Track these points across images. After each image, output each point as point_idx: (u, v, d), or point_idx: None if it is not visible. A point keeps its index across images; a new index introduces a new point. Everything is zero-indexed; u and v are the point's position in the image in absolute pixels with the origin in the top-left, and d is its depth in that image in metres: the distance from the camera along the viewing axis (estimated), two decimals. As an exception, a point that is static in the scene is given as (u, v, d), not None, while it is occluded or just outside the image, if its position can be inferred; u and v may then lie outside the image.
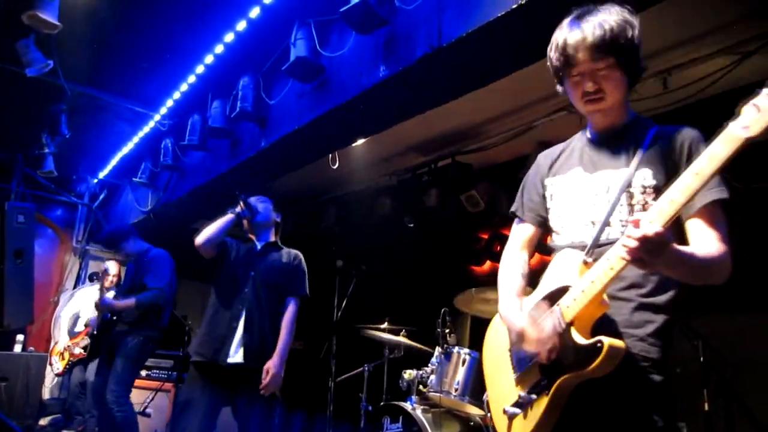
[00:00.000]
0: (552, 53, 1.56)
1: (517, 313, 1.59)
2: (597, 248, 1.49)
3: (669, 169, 1.44)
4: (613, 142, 1.57)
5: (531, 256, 1.81)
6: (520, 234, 1.80)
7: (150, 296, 4.18)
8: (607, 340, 1.33)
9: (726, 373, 3.29)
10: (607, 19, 1.45)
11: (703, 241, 1.39)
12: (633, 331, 1.45)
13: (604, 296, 1.40)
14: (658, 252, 1.21)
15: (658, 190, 1.44)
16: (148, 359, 4.61)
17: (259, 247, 3.38)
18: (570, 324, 1.42)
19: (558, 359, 1.45)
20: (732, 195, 1.42)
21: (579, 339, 1.40)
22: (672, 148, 1.47)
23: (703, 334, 3.26)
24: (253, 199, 3.39)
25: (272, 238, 3.45)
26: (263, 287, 3.20)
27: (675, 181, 1.23)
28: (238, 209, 3.26)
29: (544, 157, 1.78)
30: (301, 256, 3.47)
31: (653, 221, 1.21)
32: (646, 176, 1.47)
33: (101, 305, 4.27)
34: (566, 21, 1.54)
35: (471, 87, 3.24)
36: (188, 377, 3.20)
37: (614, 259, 1.32)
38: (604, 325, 1.43)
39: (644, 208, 1.44)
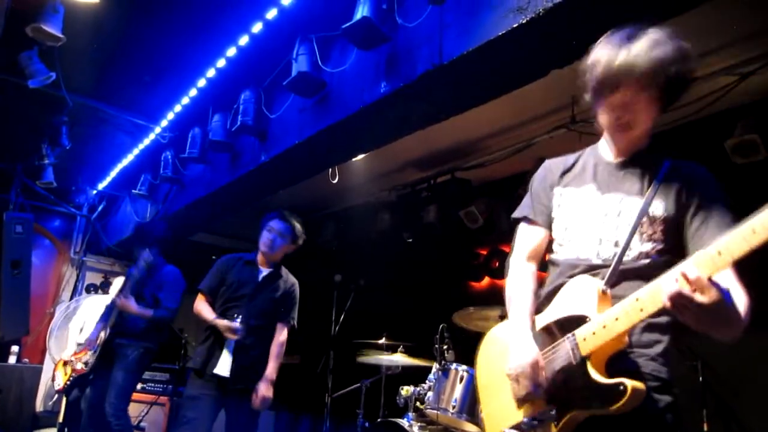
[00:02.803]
0: (596, 69, 1.45)
1: (529, 343, 1.51)
2: (615, 271, 1.46)
3: (678, 205, 1.45)
4: (629, 167, 1.56)
5: (539, 267, 1.72)
6: (530, 239, 1.70)
7: (165, 316, 4.26)
8: (630, 383, 1.29)
9: (725, 394, 3.27)
10: (658, 46, 1.36)
11: (732, 289, 1.30)
12: (644, 350, 1.44)
13: (627, 334, 1.37)
14: (704, 302, 1.16)
15: (666, 222, 1.45)
16: (145, 371, 4.59)
17: (261, 277, 3.52)
18: (586, 358, 1.39)
19: (570, 392, 1.41)
20: (732, 215, 1.41)
21: (596, 376, 1.36)
22: (684, 185, 1.46)
23: (702, 354, 3.24)
24: (275, 224, 3.51)
25: (276, 267, 3.59)
26: (258, 317, 3.39)
27: (728, 233, 1.15)
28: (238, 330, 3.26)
29: (554, 164, 1.73)
30: (296, 285, 3.65)
31: (700, 271, 1.16)
32: (657, 207, 1.46)
33: (123, 302, 4.18)
34: (615, 38, 1.44)
35: (471, 104, 3.26)
36: (190, 378, 3.41)
37: (648, 302, 1.27)
38: (618, 355, 1.40)
39: (651, 238, 1.45)
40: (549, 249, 1.70)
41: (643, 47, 1.36)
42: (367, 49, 3.20)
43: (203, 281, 3.56)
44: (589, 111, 1.60)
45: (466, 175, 5.11)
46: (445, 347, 3.57)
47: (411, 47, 3.04)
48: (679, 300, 1.17)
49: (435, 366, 3.54)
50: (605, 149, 1.63)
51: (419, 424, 3.41)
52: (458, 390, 3.28)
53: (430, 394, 3.43)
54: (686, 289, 1.15)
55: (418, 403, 3.52)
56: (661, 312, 1.27)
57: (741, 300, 1.31)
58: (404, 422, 3.42)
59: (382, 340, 4.18)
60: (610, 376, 1.35)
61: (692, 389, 3.19)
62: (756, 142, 3.31)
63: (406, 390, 3.60)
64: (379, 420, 3.77)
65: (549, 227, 1.68)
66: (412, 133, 3.68)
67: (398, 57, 3.13)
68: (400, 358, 3.99)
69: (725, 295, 1.18)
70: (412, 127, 3.62)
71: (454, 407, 3.26)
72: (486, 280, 5.30)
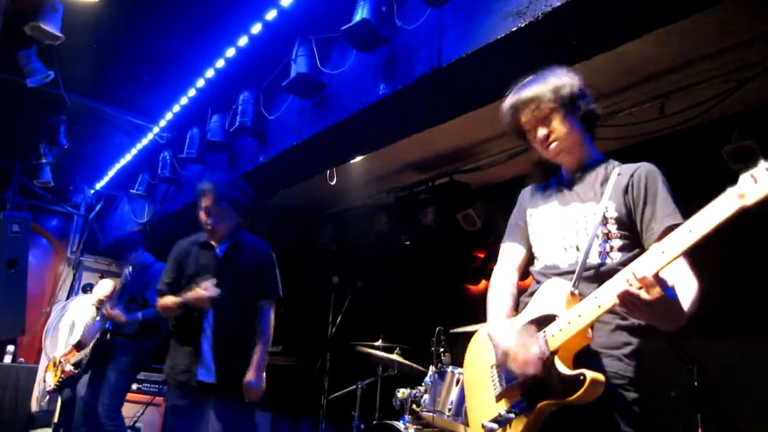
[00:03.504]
0: (503, 120, 1.81)
1: (506, 332, 1.65)
2: (583, 272, 1.59)
3: (628, 202, 1.61)
4: (583, 179, 1.75)
5: (520, 278, 1.87)
6: (510, 254, 1.89)
7: (153, 314, 4.16)
8: (589, 374, 1.40)
9: (720, 397, 3.27)
10: (539, 81, 1.71)
11: (680, 277, 1.41)
12: (612, 351, 1.55)
13: (589, 329, 1.47)
14: (650, 298, 1.26)
15: (619, 221, 1.60)
16: (140, 372, 4.57)
17: (220, 253, 3.03)
18: (554, 352, 1.50)
19: (540, 384, 1.51)
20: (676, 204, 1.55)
21: (562, 368, 1.47)
22: (631, 182, 1.63)
23: (698, 358, 3.25)
24: (202, 201, 2.99)
25: (233, 240, 3.06)
26: (231, 298, 2.86)
27: (669, 236, 1.28)
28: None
29: (527, 191, 1.95)
30: (268, 249, 3.13)
31: (646, 270, 1.27)
32: (609, 208, 1.62)
33: (109, 313, 4.16)
34: (510, 93, 1.78)
35: (470, 107, 3.27)
36: (170, 386, 2.99)
37: (603, 299, 1.40)
38: (586, 351, 1.51)
39: (608, 237, 1.60)
40: (531, 263, 1.86)
41: (526, 86, 1.73)
42: (366, 51, 3.20)
43: (160, 279, 3.08)
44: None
45: (464, 178, 5.12)
46: (441, 350, 3.57)
47: (410, 50, 3.05)
48: (627, 298, 1.29)
49: (431, 368, 3.54)
50: (563, 171, 1.84)
51: (415, 426, 3.41)
52: (454, 392, 3.27)
53: (426, 396, 3.43)
54: (633, 288, 1.27)
55: (414, 406, 3.52)
56: (615, 308, 1.39)
57: (689, 291, 1.42)
58: (400, 425, 3.42)
59: (379, 342, 4.18)
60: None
61: (687, 393, 3.20)
62: (753, 149, 3.32)
63: (402, 392, 3.59)
64: (374, 422, 3.76)
65: (526, 245, 1.87)
66: (411, 135, 3.69)
67: (397, 59, 3.13)
68: (395, 359, 3.98)
69: (668, 292, 1.27)
70: (410, 129, 3.63)
71: (449, 410, 3.26)
72: (483, 283, 5.29)
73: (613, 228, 1.60)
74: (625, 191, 1.61)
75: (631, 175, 1.63)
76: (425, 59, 2.91)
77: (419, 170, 5.32)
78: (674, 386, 3.28)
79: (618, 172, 1.66)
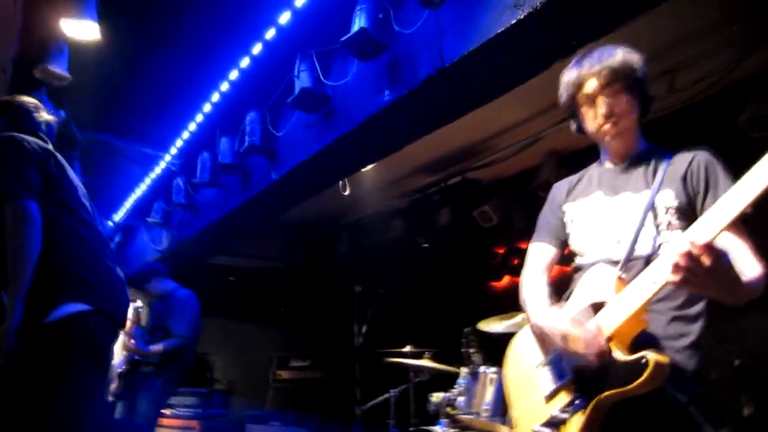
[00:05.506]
0: (562, 90, 1.67)
1: (558, 317, 1.50)
2: (628, 263, 1.50)
3: (688, 191, 1.51)
4: (631, 167, 1.64)
5: (549, 279, 1.77)
6: (539, 255, 1.78)
7: (175, 344, 4.25)
8: (652, 356, 1.28)
9: (763, 377, 3.19)
10: (609, 53, 1.59)
11: (742, 256, 1.38)
12: (670, 343, 1.44)
13: (644, 312, 1.37)
14: (708, 265, 1.17)
15: (680, 210, 1.50)
16: (168, 400, 4.63)
17: None
18: (609, 339, 1.39)
19: (596, 376, 1.40)
20: None
21: (620, 355, 1.36)
22: (690, 170, 1.53)
23: (737, 336, 3.17)
24: None
25: None
26: None
27: (722, 198, 1.20)
28: None
29: (559, 186, 1.83)
30: None
31: (704, 234, 1.18)
32: (668, 197, 1.52)
33: (135, 347, 4.25)
34: (572, 61, 1.66)
35: (477, 104, 3.25)
36: None
37: (658, 273, 1.29)
38: (643, 339, 1.40)
39: (668, 228, 1.50)
40: (571, 260, 1.75)
41: (595, 56, 1.60)
42: (367, 59, 3.21)
43: None
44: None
45: (477, 175, 5.08)
46: (472, 351, 3.54)
47: (411, 53, 3.05)
48: (684, 266, 1.18)
49: (464, 370, 3.50)
50: (606, 160, 1.73)
51: (453, 430, 3.38)
52: (490, 393, 3.24)
53: (460, 399, 3.40)
54: (691, 255, 1.17)
55: (449, 409, 3.48)
56: (671, 284, 1.28)
57: (751, 268, 1.36)
58: (438, 429, 3.39)
59: (407, 348, 4.15)
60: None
61: (728, 374, 3.13)
62: (771, 115, 3.24)
63: (437, 396, 3.56)
64: (411, 429, 3.73)
65: (557, 244, 1.77)
66: (419, 138, 3.68)
67: (400, 64, 3.13)
68: (426, 365, 3.95)
69: (725, 258, 1.21)
70: (418, 132, 3.62)
71: (487, 410, 3.22)
72: (506, 279, 5.26)
73: (673, 218, 1.49)
74: (684, 179, 1.52)
75: (690, 163, 1.53)
76: (428, 61, 2.90)
77: (430, 172, 5.31)
78: (713, 369, 3.21)
79: (672, 160, 1.57)
